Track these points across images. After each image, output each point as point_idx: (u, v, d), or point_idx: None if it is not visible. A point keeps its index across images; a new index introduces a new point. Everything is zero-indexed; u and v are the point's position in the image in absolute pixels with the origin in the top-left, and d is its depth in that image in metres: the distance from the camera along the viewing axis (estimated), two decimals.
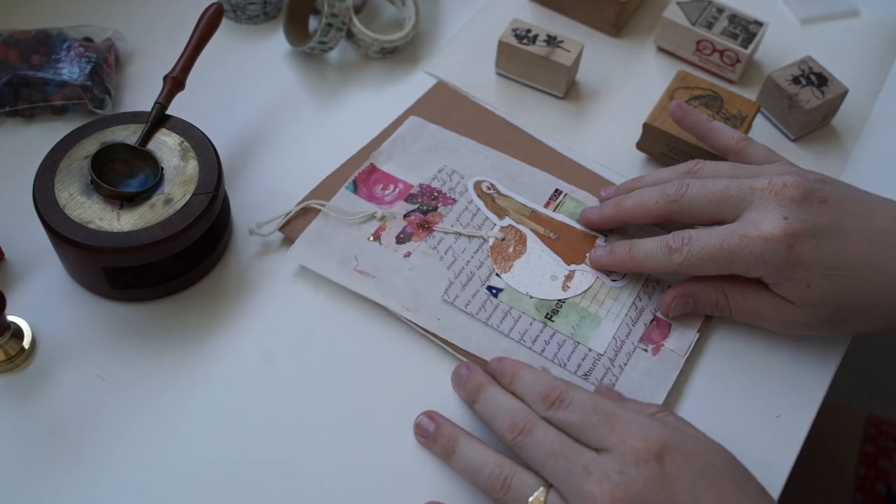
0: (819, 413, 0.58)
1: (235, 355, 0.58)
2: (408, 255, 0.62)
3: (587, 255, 0.62)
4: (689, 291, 0.59)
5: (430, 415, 0.55)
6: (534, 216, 0.65)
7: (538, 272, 0.61)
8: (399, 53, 0.76)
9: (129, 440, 0.54)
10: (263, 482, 0.53)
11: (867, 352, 1.04)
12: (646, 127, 0.68)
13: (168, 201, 0.57)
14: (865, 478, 0.84)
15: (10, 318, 0.57)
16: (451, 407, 0.56)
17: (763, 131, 0.73)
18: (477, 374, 0.55)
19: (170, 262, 0.58)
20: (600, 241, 0.63)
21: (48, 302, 0.59)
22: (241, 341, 0.59)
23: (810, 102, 0.70)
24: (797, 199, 0.55)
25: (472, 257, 0.62)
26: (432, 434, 0.54)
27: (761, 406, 0.58)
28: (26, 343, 0.57)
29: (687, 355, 0.59)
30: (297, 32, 0.75)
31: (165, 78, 0.63)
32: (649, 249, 0.58)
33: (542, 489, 0.48)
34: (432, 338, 0.58)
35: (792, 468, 0.56)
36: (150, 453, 0.54)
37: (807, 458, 0.59)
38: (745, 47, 0.73)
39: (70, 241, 0.55)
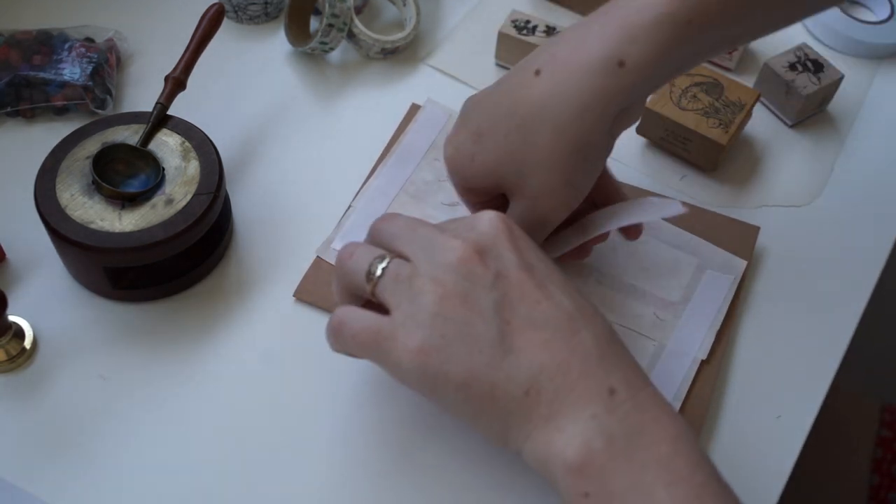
0: (833, 400, 0.58)
1: (236, 356, 0.58)
2: None
3: None
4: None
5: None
6: None
7: None
8: (400, 54, 0.76)
9: (129, 440, 0.54)
10: (263, 482, 0.53)
11: (881, 345, 1.04)
12: (645, 112, 0.68)
13: (169, 202, 0.58)
14: (882, 460, 0.85)
15: (12, 318, 0.57)
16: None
17: (761, 118, 0.73)
18: None
19: (171, 262, 0.58)
20: None
21: (49, 302, 0.59)
22: (242, 342, 0.59)
23: (807, 88, 0.70)
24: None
25: None
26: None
27: (762, 406, 0.58)
28: (27, 343, 0.57)
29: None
30: (298, 33, 0.75)
31: (167, 78, 0.63)
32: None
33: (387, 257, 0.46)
34: None
35: (805, 454, 0.56)
36: (151, 453, 0.54)
37: (821, 442, 0.59)
38: None
39: (71, 241, 0.55)
